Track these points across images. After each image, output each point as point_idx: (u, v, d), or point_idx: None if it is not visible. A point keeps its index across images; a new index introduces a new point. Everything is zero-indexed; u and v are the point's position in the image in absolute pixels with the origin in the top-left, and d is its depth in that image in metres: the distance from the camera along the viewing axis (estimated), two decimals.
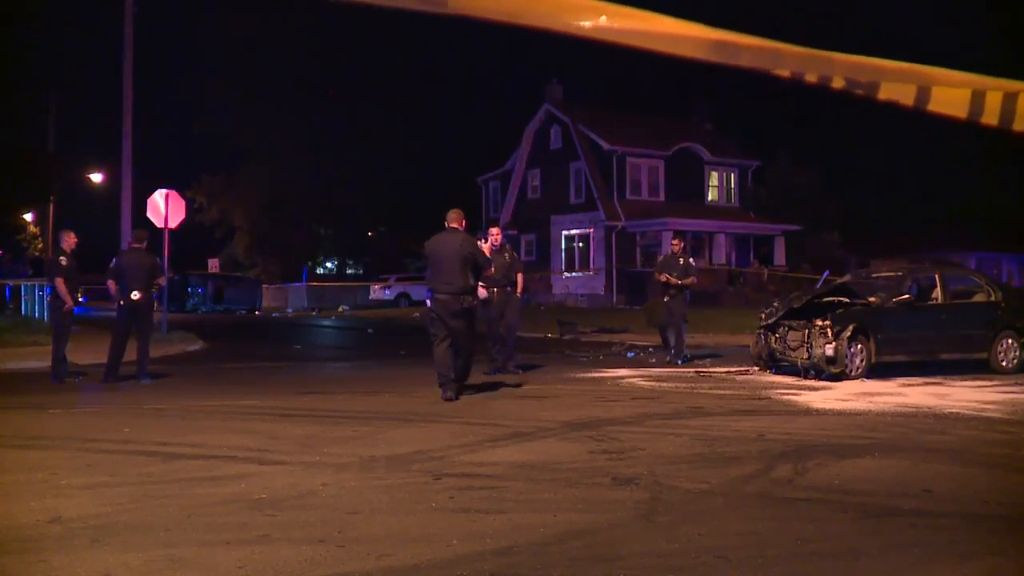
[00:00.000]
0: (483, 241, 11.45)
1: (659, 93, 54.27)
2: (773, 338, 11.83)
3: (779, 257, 37.08)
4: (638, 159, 37.23)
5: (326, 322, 31.07)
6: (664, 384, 10.79)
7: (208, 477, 5.50)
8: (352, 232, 58.37)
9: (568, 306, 34.28)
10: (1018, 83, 2.16)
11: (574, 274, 37.80)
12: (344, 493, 5.05)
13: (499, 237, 12.29)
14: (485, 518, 4.48)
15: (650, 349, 16.05)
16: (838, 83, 2.11)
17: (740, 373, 12.13)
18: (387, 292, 41.16)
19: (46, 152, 31.95)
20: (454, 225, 9.65)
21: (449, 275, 9.30)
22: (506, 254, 12.22)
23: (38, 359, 13.38)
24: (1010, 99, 2.14)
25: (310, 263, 56.03)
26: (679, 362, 13.46)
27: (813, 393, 9.83)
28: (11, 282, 27.83)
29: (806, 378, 11.17)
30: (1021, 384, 10.75)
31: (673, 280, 13.42)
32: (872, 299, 11.66)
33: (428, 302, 9.58)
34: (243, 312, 37.45)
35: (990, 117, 2.16)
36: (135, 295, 11.20)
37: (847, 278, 13.95)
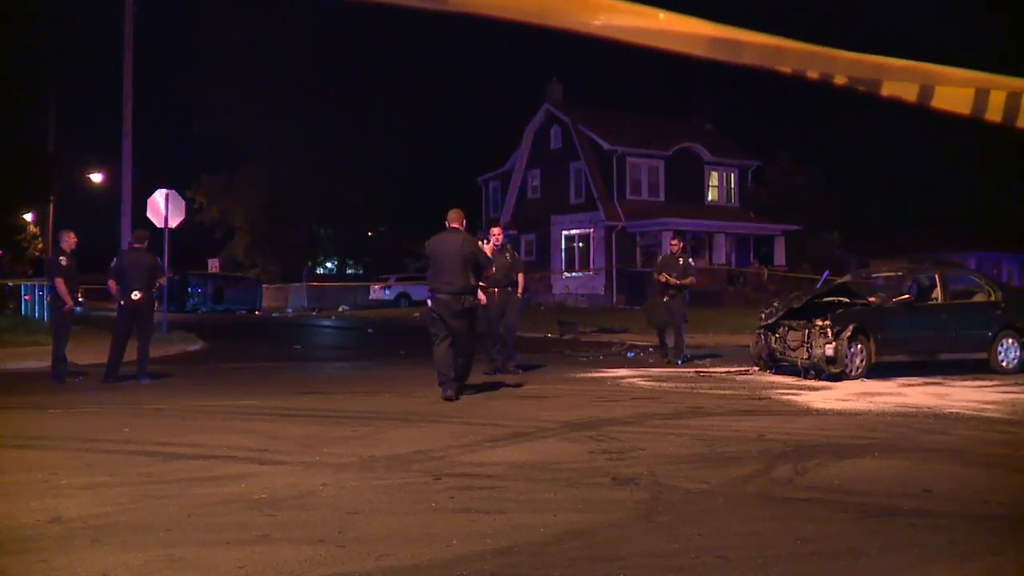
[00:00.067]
0: (484, 242, 11.45)
1: (659, 93, 54.27)
2: (773, 338, 11.82)
3: (779, 257, 37.08)
4: (638, 159, 37.23)
5: (326, 322, 31.07)
6: (664, 384, 10.79)
7: (208, 477, 5.50)
8: (352, 232, 58.35)
9: (568, 306, 34.28)
10: (1022, 81, 2.16)
11: (574, 274, 37.80)
12: (344, 493, 5.05)
13: (500, 237, 12.29)
14: (485, 518, 4.48)
15: (650, 349, 16.04)
16: (840, 80, 2.11)
17: (740, 373, 12.13)
18: (387, 292, 41.16)
19: (46, 152, 31.96)
20: (455, 225, 9.65)
21: (450, 275, 9.30)
22: (507, 254, 12.23)
23: (38, 359, 13.38)
24: (1014, 97, 2.14)
25: (310, 263, 56.03)
26: (679, 362, 13.46)
27: (813, 393, 9.82)
28: (11, 282, 27.83)
29: (806, 378, 11.17)
30: (1021, 384, 10.74)
31: (672, 280, 13.42)
32: (872, 299, 11.66)
33: (429, 302, 9.58)
34: (243, 312, 37.45)
35: (994, 114, 2.16)
36: (135, 295, 11.20)
37: (847, 278, 13.95)
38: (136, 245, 11.78)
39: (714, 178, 39.40)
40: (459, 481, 5.33)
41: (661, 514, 4.57)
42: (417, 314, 30.10)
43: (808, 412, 8.39)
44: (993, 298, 12.34)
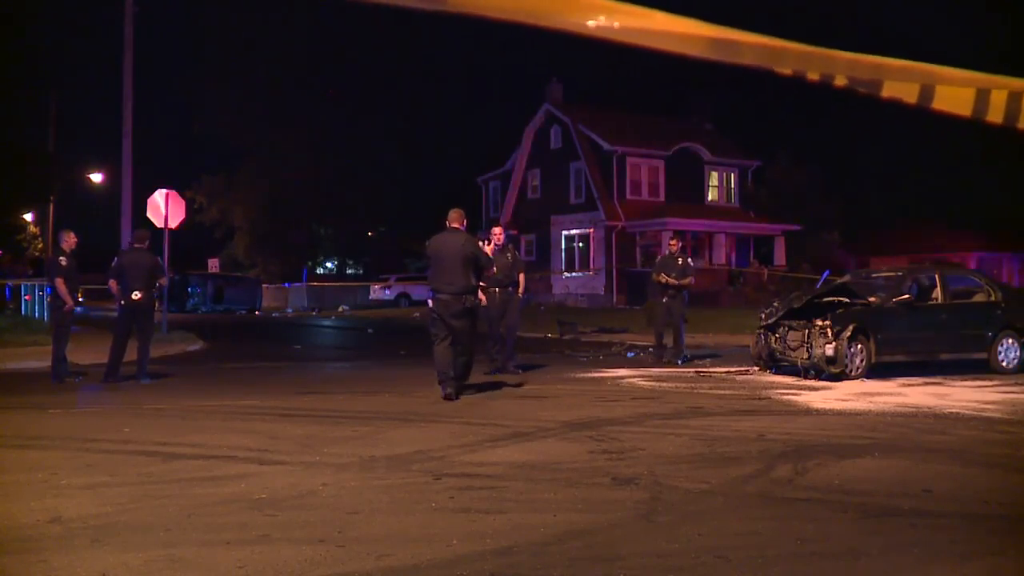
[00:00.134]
0: (485, 243, 11.44)
1: (659, 93, 54.31)
2: (773, 338, 11.82)
3: (779, 257, 37.09)
4: (638, 159, 37.24)
5: (326, 322, 31.07)
6: (664, 384, 10.79)
7: (208, 477, 5.50)
8: (352, 232, 58.36)
9: (568, 306, 34.29)
10: (1023, 81, 2.16)
11: (574, 274, 37.81)
12: (344, 493, 5.05)
13: (501, 237, 12.29)
14: (485, 518, 4.48)
15: (650, 349, 16.02)
16: (840, 81, 2.11)
17: (740, 373, 12.13)
18: (387, 292, 41.16)
19: (46, 152, 31.95)
20: (455, 225, 9.65)
21: (451, 275, 9.30)
22: (508, 254, 12.22)
23: (38, 359, 13.38)
24: (1015, 97, 2.14)
25: (310, 263, 56.04)
26: (679, 362, 13.46)
27: (813, 393, 9.82)
28: (11, 282, 27.84)
29: (806, 378, 11.16)
30: (1021, 384, 10.74)
31: (671, 281, 13.41)
32: (872, 299, 11.66)
33: (430, 302, 9.58)
34: (243, 312, 37.45)
35: (995, 115, 2.16)
36: (136, 295, 11.20)
37: (847, 278, 13.95)
38: (137, 245, 11.77)
39: (714, 178, 39.41)
40: (459, 481, 5.33)
41: (661, 514, 4.58)
42: (417, 314, 30.11)
43: (808, 412, 8.39)
44: (993, 298, 12.34)
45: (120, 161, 21.52)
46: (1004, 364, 11.94)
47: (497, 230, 12.44)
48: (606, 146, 36.52)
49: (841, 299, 11.85)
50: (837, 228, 37.88)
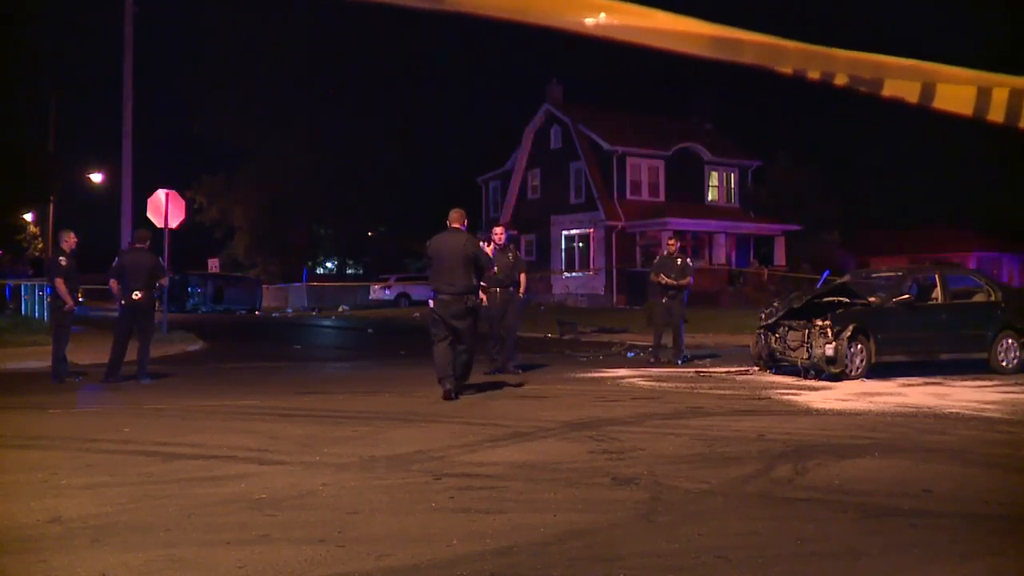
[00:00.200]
0: (486, 243, 11.43)
1: (659, 93, 54.37)
2: (773, 338, 11.82)
3: (779, 257, 37.08)
4: (638, 159, 37.23)
5: (326, 322, 31.07)
6: (664, 384, 10.79)
7: (208, 477, 5.50)
8: (352, 232, 58.37)
9: (568, 306, 34.28)
10: None
11: (574, 274, 37.81)
12: (344, 493, 5.05)
13: (502, 237, 12.28)
14: (485, 518, 4.48)
15: (650, 349, 16.03)
16: (841, 80, 2.10)
17: (740, 373, 12.13)
18: (387, 292, 41.16)
19: (46, 152, 31.94)
20: (456, 225, 9.66)
21: (452, 275, 9.30)
22: (509, 254, 12.22)
23: (38, 359, 13.38)
24: (1017, 96, 2.13)
25: (310, 263, 56.04)
26: (679, 362, 13.45)
27: (813, 393, 9.82)
28: (11, 282, 27.83)
29: (806, 378, 11.16)
30: (1021, 384, 10.74)
31: (670, 281, 13.39)
32: (872, 299, 11.66)
33: (431, 302, 9.57)
34: (243, 312, 37.45)
35: (996, 114, 2.15)
36: (136, 295, 11.20)
37: (847, 278, 13.95)
38: (138, 245, 11.77)
39: (714, 178, 39.41)
40: (459, 481, 5.33)
41: (661, 514, 4.57)
42: (417, 314, 30.11)
43: (808, 412, 8.39)
44: (993, 298, 12.33)
45: (120, 161, 21.52)
46: (1004, 364, 11.94)
47: (498, 230, 12.43)
48: (606, 146, 36.51)
49: (841, 299, 11.85)
50: (837, 228, 37.90)
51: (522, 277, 12.29)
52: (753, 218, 38.41)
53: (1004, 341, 12.02)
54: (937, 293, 12.02)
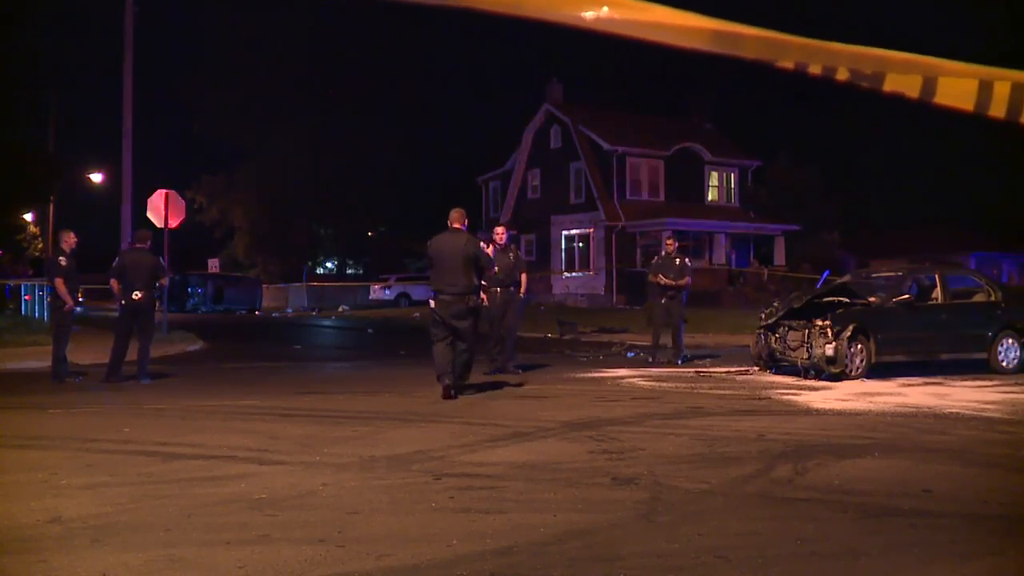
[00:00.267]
0: (487, 244, 11.41)
1: (659, 93, 54.39)
2: (773, 338, 11.82)
3: (779, 257, 37.08)
4: (638, 159, 37.24)
5: (326, 322, 31.07)
6: (664, 384, 10.79)
7: (208, 477, 5.50)
8: (352, 232, 58.37)
9: (568, 306, 34.28)
10: None
11: (574, 274, 37.81)
12: (344, 493, 5.05)
13: (504, 237, 12.28)
14: (485, 518, 4.48)
15: (648, 349, 16.03)
16: (842, 75, 2.10)
17: (740, 373, 12.13)
18: (387, 292, 41.16)
19: (46, 152, 31.93)
20: (456, 225, 9.65)
21: (452, 275, 9.30)
22: (511, 254, 12.22)
23: (38, 359, 13.38)
24: (1018, 90, 2.12)
25: (310, 263, 56.04)
26: (679, 362, 13.45)
27: (813, 393, 9.82)
28: (11, 282, 27.83)
29: (806, 378, 11.16)
30: (1021, 384, 10.74)
31: (668, 281, 13.39)
32: (872, 299, 11.66)
33: (432, 302, 9.57)
34: (243, 312, 37.45)
35: (997, 109, 2.14)
36: (136, 295, 11.20)
37: (847, 278, 13.94)
38: (138, 245, 11.77)
39: (714, 178, 39.41)
40: (459, 481, 5.33)
41: (661, 514, 4.57)
42: (417, 314, 30.11)
43: (808, 412, 8.39)
44: (993, 298, 12.33)
45: (120, 161, 21.53)
46: (1004, 364, 11.93)
47: (499, 230, 12.43)
48: (606, 146, 36.51)
49: (841, 299, 11.85)
50: (837, 228, 37.90)
51: (523, 277, 12.29)
52: (753, 218, 38.41)
53: (1004, 341, 12.02)
54: (937, 293, 12.02)
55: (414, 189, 55.05)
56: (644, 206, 36.36)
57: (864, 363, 11.04)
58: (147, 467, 5.77)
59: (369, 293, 42.75)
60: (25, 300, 26.12)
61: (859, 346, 11.01)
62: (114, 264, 11.54)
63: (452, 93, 63.88)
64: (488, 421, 7.75)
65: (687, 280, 13.58)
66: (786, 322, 11.65)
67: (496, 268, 10.83)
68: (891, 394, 9.75)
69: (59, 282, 11.17)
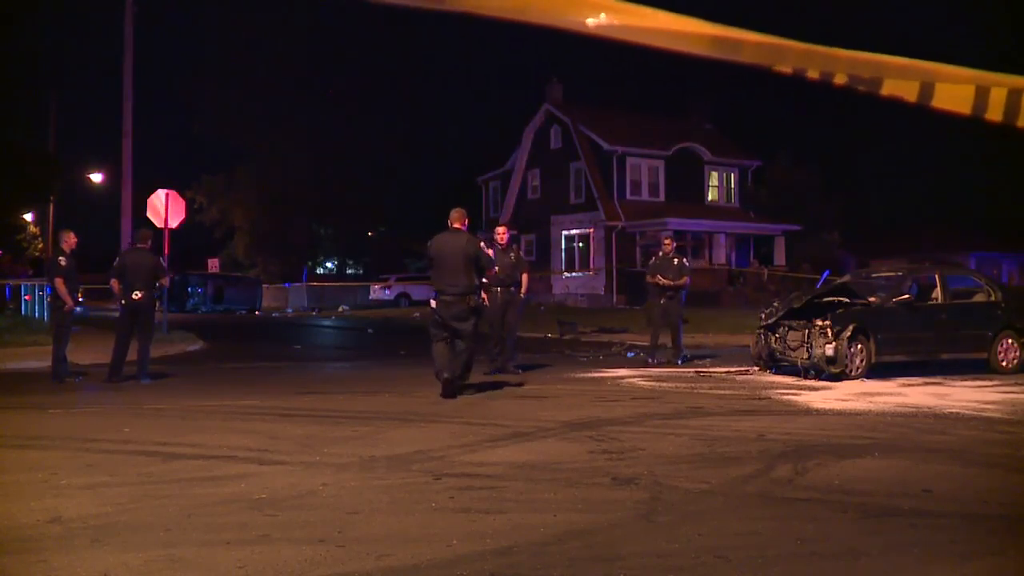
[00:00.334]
0: (486, 244, 11.41)
1: (659, 93, 54.40)
2: (773, 338, 11.82)
3: (779, 257, 37.09)
4: (638, 159, 37.24)
5: (326, 322, 31.07)
6: (664, 384, 10.79)
7: (208, 477, 5.50)
8: (352, 232, 58.38)
9: (568, 306, 34.29)
10: (1023, 79, 2.15)
11: (574, 274, 37.81)
12: (344, 493, 5.05)
13: (505, 236, 12.28)
14: (485, 518, 4.48)
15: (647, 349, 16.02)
16: (840, 79, 2.10)
17: (740, 373, 12.13)
18: (387, 292, 41.16)
19: (46, 152, 31.93)
20: (457, 225, 9.66)
21: (454, 276, 9.31)
22: (512, 254, 12.22)
23: (38, 359, 13.38)
24: (1015, 95, 2.13)
25: (310, 263, 56.05)
26: (678, 362, 13.45)
27: (813, 393, 9.82)
28: (11, 282, 27.83)
29: (806, 378, 11.16)
30: (1021, 384, 10.74)
31: (666, 282, 13.38)
32: (872, 299, 11.66)
33: (432, 303, 9.56)
34: (243, 312, 37.46)
35: (994, 113, 2.15)
36: (136, 295, 11.20)
37: (847, 278, 13.94)
38: (139, 245, 11.77)
39: (714, 178, 39.41)
40: (459, 481, 5.33)
41: (661, 514, 4.57)
42: (417, 314, 30.11)
43: (808, 412, 8.39)
44: (993, 298, 12.33)
45: (120, 161, 21.53)
46: (1004, 364, 11.94)
47: (501, 230, 12.43)
48: (606, 146, 36.51)
49: (841, 299, 11.86)
50: (837, 228, 37.92)
51: (524, 277, 12.28)
52: (753, 218, 38.41)
53: (1004, 341, 12.02)
54: (937, 293, 12.02)
55: (414, 189, 55.15)
56: (644, 206, 36.36)
57: (864, 363, 11.04)
58: (147, 467, 5.77)
59: (369, 293, 42.75)
60: (25, 300, 26.12)
61: (859, 346, 11.01)
62: (115, 264, 11.54)
63: (452, 93, 64.00)
64: (488, 421, 7.75)
65: (685, 280, 13.57)
66: (786, 322, 11.66)
67: (497, 268, 10.83)
68: (891, 394, 9.75)
69: (59, 282, 11.17)
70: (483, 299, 10.45)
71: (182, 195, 21.33)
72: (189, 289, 37.60)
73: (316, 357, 17.01)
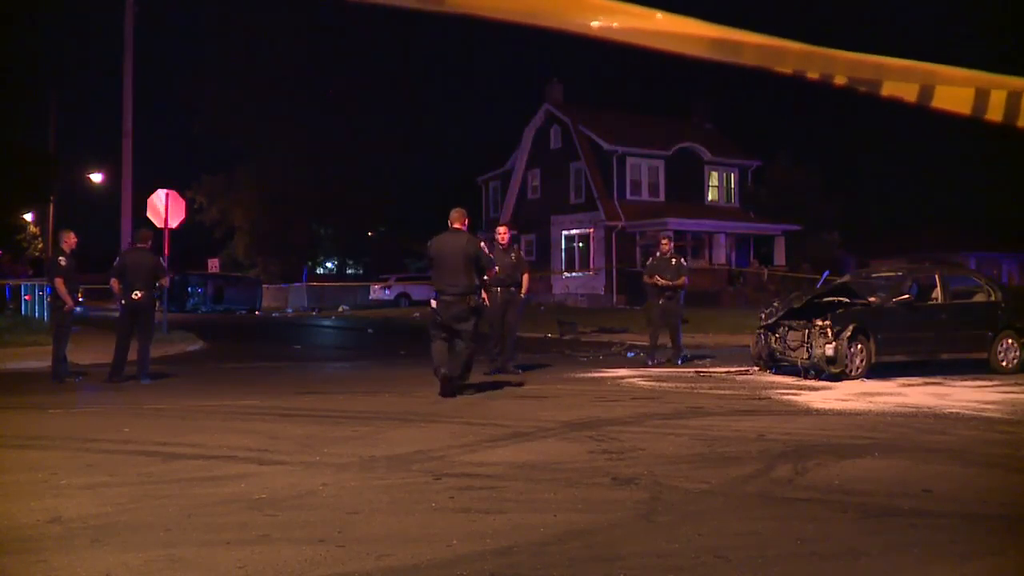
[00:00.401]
0: (486, 244, 11.40)
1: (659, 93, 54.39)
2: (773, 338, 11.82)
3: (779, 257, 37.09)
4: (638, 159, 37.24)
5: (326, 322, 31.07)
6: (664, 384, 10.79)
7: (208, 477, 5.50)
8: (352, 232, 58.39)
9: (568, 306, 34.29)
10: (1022, 80, 2.15)
11: (574, 274, 37.81)
12: (344, 493, 5.05)
13: (506, 237, 12.28)
14: (485, 518, 4.48)
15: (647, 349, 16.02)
16: (840, 80, 2.10)
17: (740, 373, 12.13)
18: (387, 292, 41.16)
19: (46, 152, 31.94)
20: (457, 225, 9.66)
21: (454, 276, 9.31)
22: (512, 254, 12.21)
23: (38, 359, 13.38)
24: (1014, 96, 2.13)
25: (310, 263, 56.05)
26: (678, 362, 13.44)
27: (813, 393, 9.82)
28: (11, 282, 27.83)
29: (806, 378, 11.16)
30: (1021, 384, 10.74)
31: (664, 282, 13.38)
32: (872, 299, 11.66)
33: (433, 303, 9.56)
34: (243, 312, 37.46)
35: (994, 114, 2.15)
36: (136, 294, 11.20)
37: (847, 278, 13.94)
38: (139, 245, 11.76)
39: (714, 178, 39.41)
40: (459, 481, 5.33)
41: (661, 514, 4.57)
42: (417, 314, 30.11)
43: (808, 412, 8.39)
44: (993, 298, 12.33)
45: (120, 161, 21.52)
46: (1004, 364, 11.94)
47: (501, 230, 12.42)
48: (606, 146, 36.52)
49: (841, 299, 11.85)
50: (837, 228, 37.92)
51: (524, 278, 12.27)
52: (753, 218, 38.41)
53: (1004, 341, 12.02)
54: (937, 293, 12.02)
55: (414, 189, 55.18)
56: (644, 206, 36.36)
57: (864, 363, 11.04)
58: (147, 467, 5.77)
59: (369, 293, 42.75)
60: (25, 300, 26.11)
61: (859, 346, 11.01)
62: (115, 264, 11.54)
63: (452, 93, 63.98)
64: (488, 421, 7.75)
65: (684, 280, 13.56)
66: (786, 322, 11.66)
67: (497, 268, 10.82)
68: (891, 394, 9.75)
69: (59, 282, 11.17)
70: (483, 299, 10.45)
71: (182, 195, 21.33)
72: (189, 289, 37.60)
73: (316, 357, 17.01)
